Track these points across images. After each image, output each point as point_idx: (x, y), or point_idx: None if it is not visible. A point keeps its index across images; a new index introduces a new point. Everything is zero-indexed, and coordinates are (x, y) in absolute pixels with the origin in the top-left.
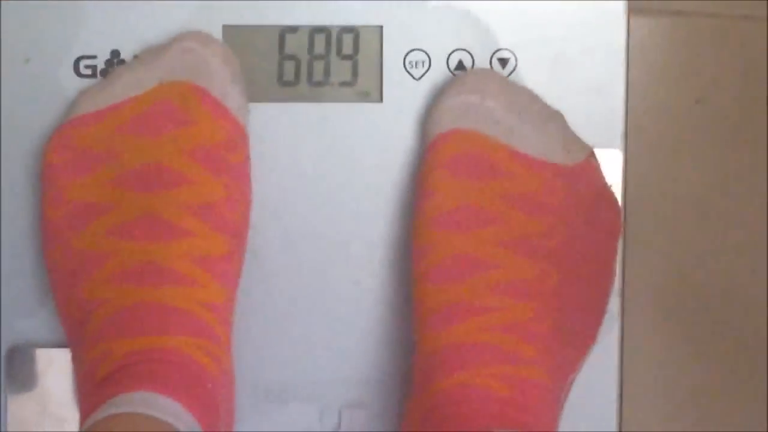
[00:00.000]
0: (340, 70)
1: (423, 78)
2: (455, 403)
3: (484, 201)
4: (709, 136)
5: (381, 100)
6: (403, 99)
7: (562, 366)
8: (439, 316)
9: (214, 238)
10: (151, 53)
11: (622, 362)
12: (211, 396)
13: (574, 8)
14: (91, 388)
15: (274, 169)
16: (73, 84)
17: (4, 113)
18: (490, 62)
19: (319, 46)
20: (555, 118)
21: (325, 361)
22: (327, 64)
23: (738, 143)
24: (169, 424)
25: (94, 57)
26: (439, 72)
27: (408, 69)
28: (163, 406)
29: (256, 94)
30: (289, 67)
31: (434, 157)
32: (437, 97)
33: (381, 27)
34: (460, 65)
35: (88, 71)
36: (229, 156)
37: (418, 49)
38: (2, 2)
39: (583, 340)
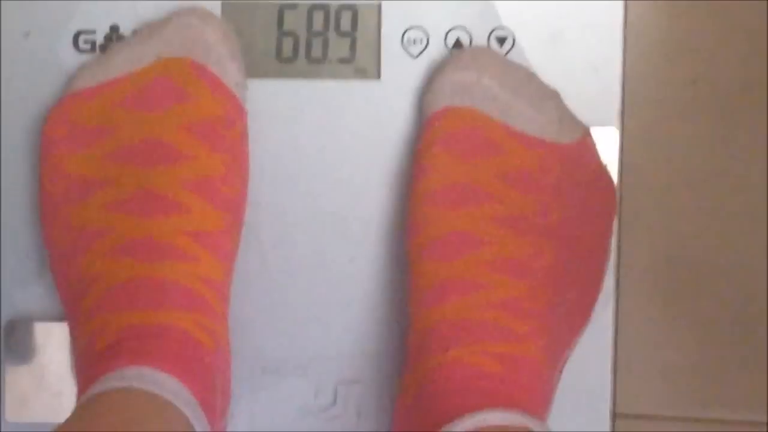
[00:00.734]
0: (339, 46)
1: (421, 56)
2: (448, 379)
3: (479, 178)
4: (706, 115)
5: (379, 77)
6: (401, 76)
7: (556, 343)
8: (433, 293)
9: (212, 214)
10: (150, 29)
11: (616, 340)
12: (207, 371)
13: None
14: (88, 362)
15: (272, 145)
16: (72, 59)
17: (3, 88)
18: (488, 41)
19: (318, 23)
20: (551, 96)
21: (320, 337)
22: (325, 40)
23: (735, 122)
24: (166, 398)
25: (93, 32)
26: (436, 50)
27: (406, 46)
28: (160, 381)
29: (254, 70)
30: (288, 43)
31: (430, 134)
32: (434, 74)
33: (379, 4)
34: (458, 43)
35: (87, 46)
36: (226, 132)
37: (416, 27)
38: None
39: (578, 317)
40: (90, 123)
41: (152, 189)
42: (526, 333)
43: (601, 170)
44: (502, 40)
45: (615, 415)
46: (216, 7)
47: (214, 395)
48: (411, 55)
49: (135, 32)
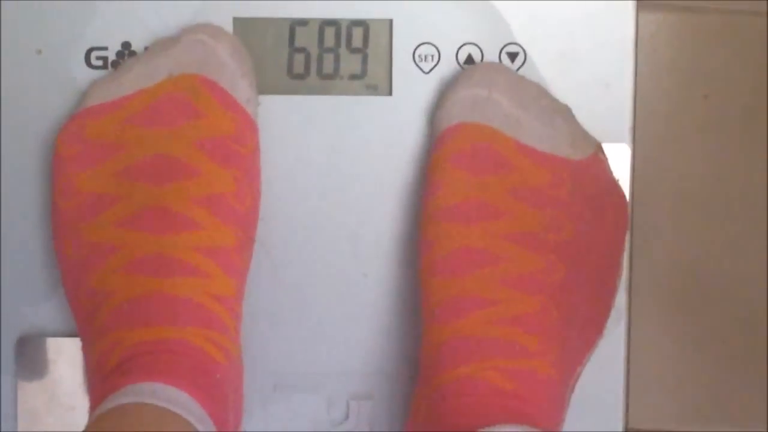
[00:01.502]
0: (350, 63)
1: (432, 71)
2: (460, 395)
3: (491, 194)
4: (717, 131)
5: (390, 93)
6: (412, 92)
7: (568, 359)
8: (446, 309)
9: (223, 230)
10: (161, 45)
11: (628, 356)
12: (219, 387)
13: (583, 3)
14: (101, 378)
15: (284, 161)
16: (85, 75)
17: (15, 104)
18: (499, 56)
19: (329, 39)
20: (563, 112)
21: (333, 352)
22: (337, 57)
23: (745, 138)
24: (178, 414)
25: (105, 48)
26: (448, 66)
27: (417, 62)
28: (172, 397)
29: (266, 86)
30: (299, 59)
31: (442, 150)
32: (446, 90)
33: (391, 20)
34: (470, 59)
35: (99, 63)
36: (238, 148)
37: (428, 43)
38: None
39: (590, 333)
40: (102, 139)
41: (164, 205)
42: (538, 349)
43: (613, 186)
44: (513, 56)
45: (628, 431)
46: (227, 24)
47: (226, 411)
48: (422, 71)
49: (147, 49)
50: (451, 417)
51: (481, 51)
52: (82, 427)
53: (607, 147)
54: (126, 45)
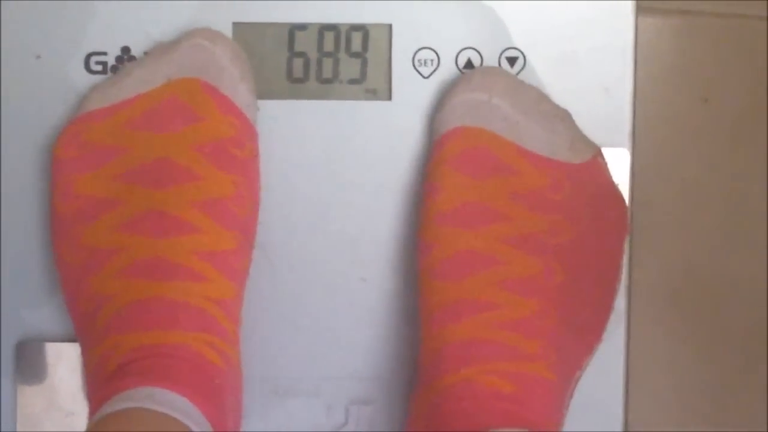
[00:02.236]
0: (349, 67)
1: (432, 76)
2: (459, 399)
3: (490, 198)
4: (717, 135)
5: (390, 98)
6: (412, 97)
7: (568, 363)
8: (444, 313)
9: (223, 234)
10: (160, 50)
11: (628, 360)
12: (218, 391)
13: (582, 8)
14: (100, 383)
15: (283, 166)
16: (84, 80)
17: (15, 109)
18: (499, 61)
19: (329, 44)
20: (562, 116)
21: (332, 357)
22: (336, 61)
23: (745, 142)
24: (176, 419)
25: (104, 53)
26: (447, 70)
27: (417, 67)
28: (171, 402)
29: (265, 91)
30: (298, 64)
31: (441, 154)
32: (445, 94)
33: (390, 25)
34: (469, 64)
35: (99, 67)
36: (237, 152)
37: (427, 48)
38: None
39: (589, 337)
40: (101, 144)
41: (163, 209)
42: (537, 353)
43: (613, 190)
44: (513, 61)
45: None
46: (227, 28)
47: (225, 416)
48: (422, 76)
49: (146, 53)
50: (450, 420)
51: (481, 56)
52: None
53: (606, 151)
54: (125, 50)
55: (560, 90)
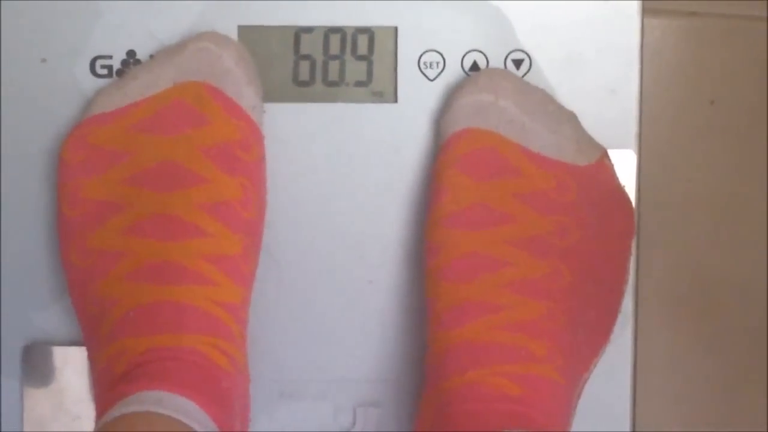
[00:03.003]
0: (355, 70)
1: (437, 78)
2: (467, 401)
3: (496, 200)
4: (723, 136)
5: (396, 100)
6: (418, 99)
7: (575, 365)
8: (452, 314)
9: (229, 237)
10: (166, 53)
11: (635, 362)
12: (226, 394)
13: (588, 9)
14: (107, 386)
15: (289, 169)
16: (89, 84)
17: (21, 113)
18: (505, 63)
19: (334, 47)
20: (568, 118)
21: (339, 359)
22: (342, 64)
23: (752, 143)
24: (183, 422)
25: (109, 57)
26: (453, 73)
27: (423, 69)
28: (178, 405)
29: (271, 93)
30: (305, 67)
31: (447, 156)
32: (451, 96)
33: (396, 28)
34: (475, 66)
35: (104, 71)
36: (244, 155)
37: (433, 50)
38: (19, 4)
39: (596, 339)
40: (107, 147)
41: (170, 213)
42: (544, 354)
43: (619, 191)
44: (519, 63)
45: None
46: (233, 32)
47: (232, 419)
48: (428, 78)
49: (152, 57)
50: (457, 422)
51: (487, 58)
52: None
53: (613, 153)
54: (131, 53)
55: (566, 91)
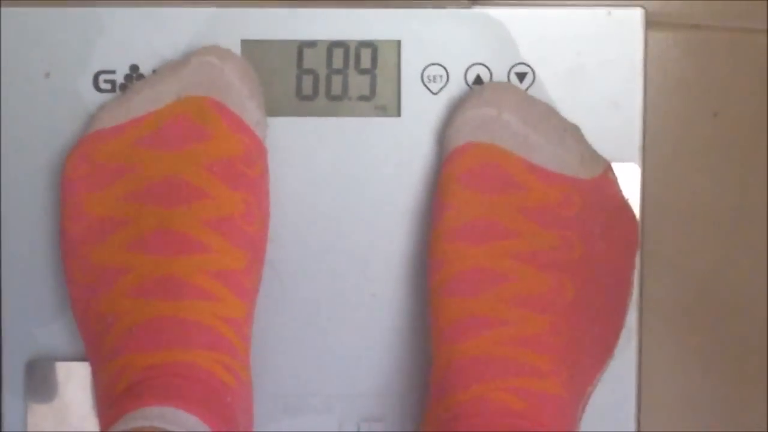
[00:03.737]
0: (358, 84)
1: (441, 92)
2: (471, 416)
3: (500, 214)
4: (727, 149)
5: (399, 114)
6: (421, 113)
7: (579, 379)
8: (455, 329)
9: (233, 252)
10: (169, 68)
11: (640, 376)
12: (230, 409)
13: (591, 22)
14: (110, 402)
15: (293, 183)
16: (93, 98)
17: (24, 128)
18: (508, 76)
19: (338, 61)
20: (572, 131)
21: (343, 373)
22: (345, 78)
23: (755, 156)
24: None
25: (113, 71)
26: (457, 86)
27: (426, 83)
28: (182, 421)
29: (274, 108)
30: (308, 81)
31: (451, 170)
32: (454, 109)
33: (399, 41)
34: (478, 79)
35: (108, 86)
36: (247, 170)
37: (436, 64)
38: (22, 18)
39: (601, 353)
40: (110, 162)
41: (173, 228)
42: (549, 369)
43: (623, 205)
44: (522, 76)
45: None
46: (236, 46)
47: None
48: (431, 92)
49: (155, 71)
50: None
51: (490, 71)
52: None
53: (616, 166)
54: (134, 68)
55: (570, 105)
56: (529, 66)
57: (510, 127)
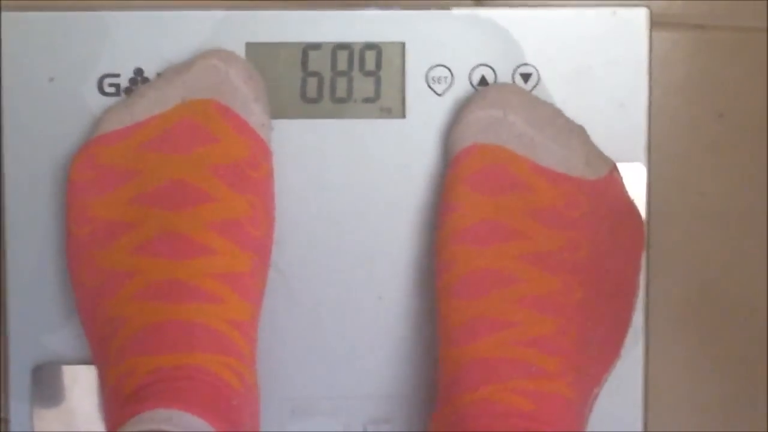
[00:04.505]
0: (363, 86)
1: (446, 93)
2: (479, 417)
3: (506, 215)
4: (732, 149)
5: (404, 115)
6: (426, 115)
7: (586, 380)
8: (463, 331)
9: (238, 255)
10: (174, 71)
11: (647, 376)
12: (236, 413)
13: (596, 23)
14: (117, 405)
15: (298, 186)
16: (97, 102)
17: (28, 132)
18: (513, 77)
19: (342, 63)
20: (578, 132)
21: (349, 376)
22: (350, 80)
23: (761, 156)
24: None
25: (117, 75)
26: (461, 87)
27: (431, 85)
28: (189, 424)
29: (279, 110)
30: (312, 83)
31: (456, 172)
32: (460, 111)
33: (403, 43)
34: (483, 81)
35: (112, 89)
36: (252, 173)
37: (441, 65)
38: (26, 22)
39: (607, 354)
40: (115, 166)
41: (178, 231)
42: (556, 370)
43: (629, 205)
44: (527, 77)
45: None
46: (240, 49)
47: None
48: (436, 93)
49: (159, 75)
50: None
51: (495, 72)
52: None
53: (622, 166)
54: (138, 71)
55: (575, 105)
56: (533, 67)
57: (515, 129)
